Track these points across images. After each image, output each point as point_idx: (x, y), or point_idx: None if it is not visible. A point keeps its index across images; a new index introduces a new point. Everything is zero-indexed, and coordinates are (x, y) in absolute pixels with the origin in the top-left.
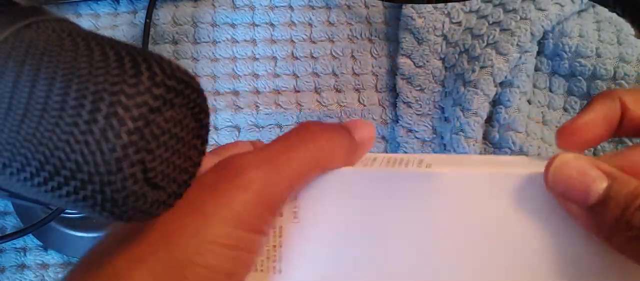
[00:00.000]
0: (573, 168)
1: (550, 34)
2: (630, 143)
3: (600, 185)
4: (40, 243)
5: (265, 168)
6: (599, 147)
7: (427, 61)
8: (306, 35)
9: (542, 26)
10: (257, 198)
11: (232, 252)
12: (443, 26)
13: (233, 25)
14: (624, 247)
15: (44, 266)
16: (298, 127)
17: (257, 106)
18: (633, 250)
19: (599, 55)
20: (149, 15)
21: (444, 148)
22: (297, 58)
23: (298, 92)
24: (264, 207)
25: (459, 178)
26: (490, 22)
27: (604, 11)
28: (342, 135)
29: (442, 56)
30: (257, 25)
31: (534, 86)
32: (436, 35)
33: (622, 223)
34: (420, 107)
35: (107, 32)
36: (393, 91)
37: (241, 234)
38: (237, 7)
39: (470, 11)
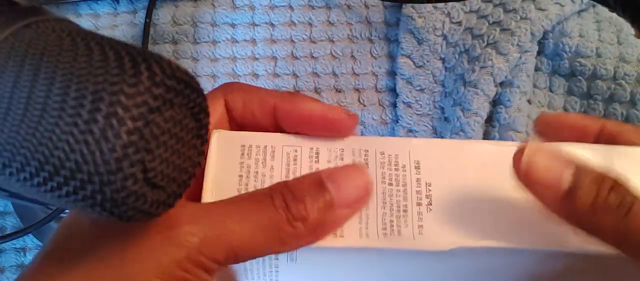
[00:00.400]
0: (543, 159)
1: (551, 34)
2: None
3: (568, 170)
4: (40, 243)
5: (202, 230)
6: None
7: (427, 61)
8: (306, 35)
9: (542, 26)
10: (188, 257)
11: None
12: (443, 26)
13: (233, 25)
14: (603, 232)
15: None
16: (265, 192)
17: None
18: (615, 235)
19: (599, 55)
20: (148, 15)
21: None
22: (297, 58)
23: (298, 91)
24: (194, 265)
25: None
26: (491, 22)
27: (604, 11)
28: (308, 210)
29: (442, 56)
30: (257, 25)
31: (534, 86)
32: (436, 35)
33: (599, 206)
34: (420, 107)
35: (106, 32)
36: (393, 91)
37: None
38: (237, 7)
39: (471, 11)
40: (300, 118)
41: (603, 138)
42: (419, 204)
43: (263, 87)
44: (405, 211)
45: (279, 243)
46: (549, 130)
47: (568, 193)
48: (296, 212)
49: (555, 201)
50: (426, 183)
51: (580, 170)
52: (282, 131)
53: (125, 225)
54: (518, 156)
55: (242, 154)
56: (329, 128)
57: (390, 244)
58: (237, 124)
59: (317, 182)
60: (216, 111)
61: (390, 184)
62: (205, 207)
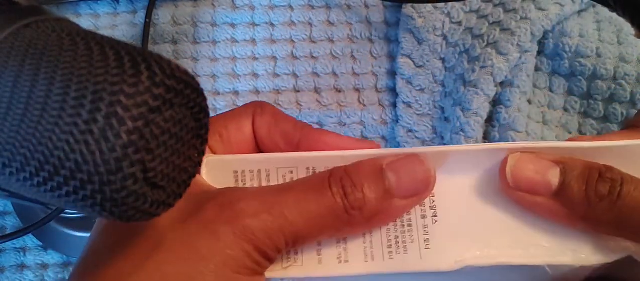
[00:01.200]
0: (528, 165)
1: (551, 34)
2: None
3: (555, 170)
4: (40, 243)
5: (264, 220)
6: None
7: (427, 61)
8: (306, 35)
9: (543, 26)
10: (256, 248)
11: None
12: (443, 26)
13: (233, 25)
14: (602, 221)
15: (44, 266)
16: (325, 178)
17: None
18: (612, 221)
19: (599, 55)
20: (148, 15)
21: None
22: (297, 58)
23: (298, 91)
24: (261, 254)
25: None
26: (491, 22)
27: (604, 11)
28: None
29: (442, 56)
30: (257, 25)
31: (534, 86)
32: (436, 35)
33: (592, 196)
34: (421, 107)
35: (106, 32)
36: (393, 91)
37: (241, 278)
38: (237, 7)
39: (471, 11)
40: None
41: None
42: (423, 216)
43: (263, 86)
44: (410, 225)
45: (334, 230)
46: None
47: (558, 192)
48: (353, 200)
49: (547, 204)
50: (430, 194)
51: (567, 166)
52: None
53: (182, 215)
54: (502, 168)
55: (237, 181)
56: None
57: (396, 267)
58: (258, 146)
59: (377, 170)
60: (244, 130)
61: None
62: (264, 195)
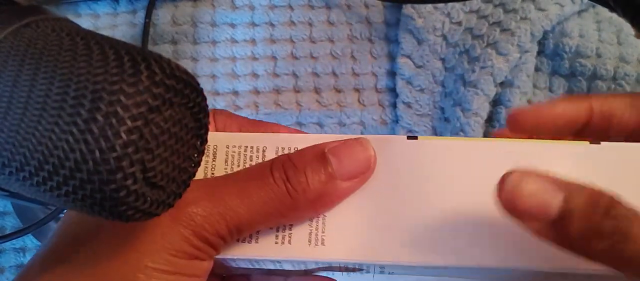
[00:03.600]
0: (526, 189)
1: (551, 34)
2: None
3: (558, 197)
4: (40, 244)
5: (204, 207)
6: None
7: (427, 61)
8: (306, 35)
9: (542, 26)
10: (195, 233)
11: (172, 277)
12: (443, 26)
13: (232, 25)
14: (598, 257)
15: None
16: (267, 165)
17: (256, 106)
18: (611, 260)
19: (599, 55)
20: (148, 15)
21: None
22: (296, 58)
23: (298, 91)
24: (201, 240)
25: None
26: (491, 22)
27: (604, 11)
28: (310, 184)
29: (442, 56)
30: (256, 25)
31: (534, 86)
32: (436, 36)
33: (592, 233)
34: (420, 107)
35: (106, 32)
36: (393, 91)
37: (179, 261)
38: (237, 7)
39: (471, 11)
40: None
41: (595, 123)
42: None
43: (262, 86)
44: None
45: (279, 216)
46: (526, 125)
47: (557, 221)
48: (296, 184)
49: (542, 229)
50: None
51: (571, 193)
52: None
53: None
54: (501, 185)
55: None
56: None
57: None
58: None
59: (318, 154)
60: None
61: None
62: (207, 185)
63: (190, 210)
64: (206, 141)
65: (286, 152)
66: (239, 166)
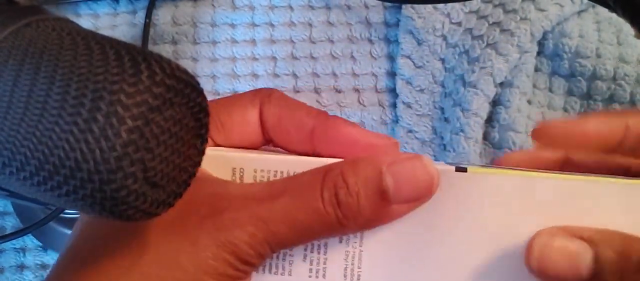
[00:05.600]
0: (555, 251)
1: (550, 35)
2: None
3: (586, 257)
4: (40, 244)
5: (249, 232)
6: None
7: (427, 62)
8: (306, 36)
9: (542, 26)
10: (238, 258)
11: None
12: (443, 27)
13: (233, 26)
14: None
15: (44, 266)
16: (318, 181)
17: None
18: None
19: (599, 56)
20: (148, 15)
21: (444, 148)
22: (296, 58)
23: (298, 92)
24: (243, 263)
25: None
26: (490, 23)
27: (603, 12)
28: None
29: (442, 57)
30: (256, 26)
31: (534, 86)
32: (436, 36)
33: None
34: (420, 107)
35: (106, 32)
36: (393, 92)
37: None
38: (237, 7)
39: (470, 12)
40: (342, 145)
41: (631, 142)
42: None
43: (263, 87)
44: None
45: (323, 237)
46: (554, 142)
47: (591, 279)
48: (347, 210)
49: None
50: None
51: (601, 249)
52: (315, 152)
53: (169, 216)
54: (529, 250)
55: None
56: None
57: None
58: (266, 135)
59: (375, 175)
60: (250, 120)
61: None
62: (250, 207)
63: (235, 235)
64: (206, 141)
65: None
66: None
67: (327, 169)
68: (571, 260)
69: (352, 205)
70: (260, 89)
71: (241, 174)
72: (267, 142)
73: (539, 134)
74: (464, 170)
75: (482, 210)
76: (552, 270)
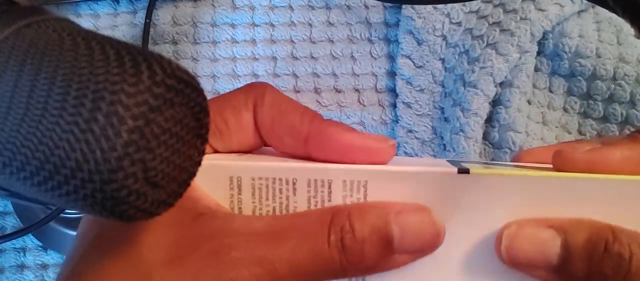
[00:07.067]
0: (524, 239)
1: (550, 34)
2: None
3: (555, 243)
4: (40, 243)
5: (254, 273)
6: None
7: (427, 62)
8: (306, 36)
9: (542, 26)
10: None
11: None
12: (443, 27)
13: (233, 26)
14: None
15: (44, 266)
16: (324, 224)
17: None
18: None
19: (598, 56)
20: (148, 16)
21: (444, 148)
22: (297, 58)
23: (298, 92)
24: None
25: None
26: (490, 23)
27: (603, 12)
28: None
29: (442, 57)
30: (257, 26)
31: (534, 86)
32: (436, 36)
33: (595, 275)
34: (420, 107)
35: (106, 32)
36: (393, 92)
37: None
38: (237, 8)
39: (470, 12)
40: (337, 151)
41: None
42: None
43: None
44: None
45: (326, 279)
46: (576, 169)
47: (559, 268)
48: (351, 256)
49: (549, 275)
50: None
51: (569, 237)
52: (310, 157)
53: (170, 251)
54: (498, 240)
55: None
56: (369, 158)
57: None
58: (261, 139)
59: (383, 221)
60: (244, 124)
61: None
62: (257, 247)
63: (240, 275)
64: (207, 141)
65: (320, 186)
66: (267, 200)
67: (334, 211)
68: (540, 247)
69: (356, 251)
70: (253, 86)
71: (239, 183)
72: (264, 144)
73: (561, 162)
74: (467, 171)
75: (485, 211)
76: (522, 258)
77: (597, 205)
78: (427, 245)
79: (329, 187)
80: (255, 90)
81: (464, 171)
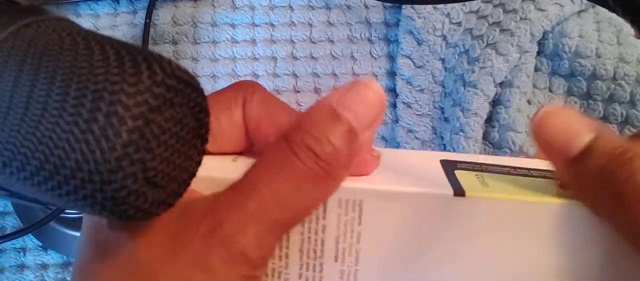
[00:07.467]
0: (558, 120)
1: (550, 34)
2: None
3: (585, 138)
4: (40, 243)
5: (253, 234)
6: None
7: (427, 62)
8: (306, 36)
9: (542, 26)
10: (251, 265)
11: None
12: (443, 27)
13: (233, 26)
14: (602, 205)
15: (44, 266)
16: (285, 148)
17: None
18: (611, 210)
19: (598, 56)
20: (148, 15)
21: (444, 148)
22: (297, 58)
23: (298, 92)
24: (256, 269)
25: None
26: (490, 23)
27: (603, 11)
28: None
29: (442, 57)
30: (257, 26)
31: (534, 86)
32: (436, 36)
33: (606, 175)
34: (420, 107)
35: (106, 32)
36: (393, 91)
37: None
38: (237, 8)
39: (470, 12)
40: None
41: None
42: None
43: (264, 86)
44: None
45: (321, 196)
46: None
47: (580, 156)
48: (326, 156)
49: (562, 167)
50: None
51: (603, 136)
52: None
53: (169, 245)
54: (534, 116)
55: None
56: (354, 170)
57: None
58: (248, 136)
59: (330, 113)
60: (235, 121)
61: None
62: (244, 207)
63: (241, 243)
64: (207, 140)
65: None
66: None
67: (286, 136)
68: (571, 131)
69: (328, 151)
70: (242, 83)
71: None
72: (250, 145)
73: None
74: (462, 194)
75: (481, 233)
76: (546, 134)
77: (598, 228)
78: (376, 109)
79: (324, 205)
80: (245, 88)
81: (459, 193)
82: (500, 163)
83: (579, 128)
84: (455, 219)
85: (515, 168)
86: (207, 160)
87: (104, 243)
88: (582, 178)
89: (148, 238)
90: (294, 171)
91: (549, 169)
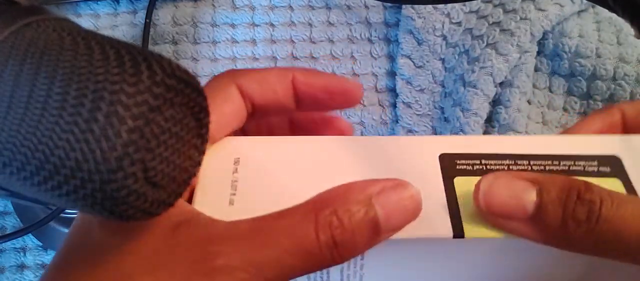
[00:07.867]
0: (501, 188)
1: (550, 34)
2: None
3: (531, 194)
4: (40, 243)
5: (242, 279)
6: None
7: (427, 61)
8: (306, 36)
9: (542, 26)
10: None
11: None
12: (443, 27)
13: (233, 26)
14: (581, 245)
15: (44, 266)
16: (311, 222)
17: None
18: (591, 245)
19: (598, 56)
20: (148, 15)
21: None
22: (297, 58)
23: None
24: None
25: None
26: (490, 23)
27: (603, 11)
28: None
29: (442, 57)
30: (257, 26)
31: (534, 86)
32: (436, 36)
33: (569, 222)
34: (420, 107)
35: (106, 32)
36: (393, 91)
37: None
38: (237, 7)
39: (470, 12)
40: (320, 90)
41: (631, 125)
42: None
43: None
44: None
45: (319, 269)
46: None
47: (534, 216)
48: (344, 251)
49: (523, 227)
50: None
51: (543, 187)
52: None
53: (152, 258)
54: (477, 187)
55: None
56: (346, 100)
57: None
58: (256, 108)
59: (367, 209)
60: (232, 100)
61: None
62: (243, 250)
63: (237, 276)
64: (207, 140)
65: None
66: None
67: (317, 207)
68: (517, 196)
69: (348, 243)
70: (227, 71)
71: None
72: (257, 111)
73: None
74: (461, 236)
75: (478, 262)
76: (498, 206)
77: (597, 261)
78: (409, 218)
79: None
80: (228, 73)
81: (459, 236)
82: (502, 152)
83: (522, 187)
84: (455, 252)
85: (515, 159)
86: (202, 198)
87: (91, 244)
88: (550, 231)
89: (137, 247)
90: (308, 249)
91: (550, 154)
